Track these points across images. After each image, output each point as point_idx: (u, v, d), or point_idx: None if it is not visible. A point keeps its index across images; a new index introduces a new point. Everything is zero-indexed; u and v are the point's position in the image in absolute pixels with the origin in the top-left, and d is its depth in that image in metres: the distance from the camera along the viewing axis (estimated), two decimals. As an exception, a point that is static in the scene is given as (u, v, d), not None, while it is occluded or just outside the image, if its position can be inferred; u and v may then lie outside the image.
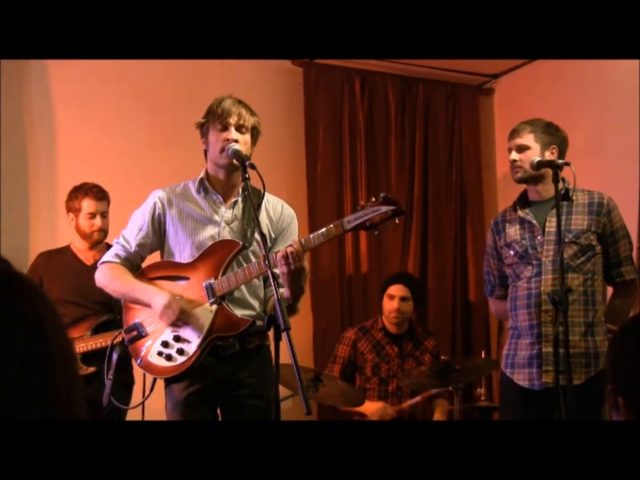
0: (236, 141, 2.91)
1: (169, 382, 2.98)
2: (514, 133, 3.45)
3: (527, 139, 3.39)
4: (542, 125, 3.42)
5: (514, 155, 3.41)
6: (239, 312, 2.93)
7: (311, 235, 2.74)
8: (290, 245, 2.72)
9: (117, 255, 3.05)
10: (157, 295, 2.91)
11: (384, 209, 2.66)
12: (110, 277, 3.03)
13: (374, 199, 2.69)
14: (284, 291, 2.83)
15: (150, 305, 2.93)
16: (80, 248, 4.13)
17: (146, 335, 2.98)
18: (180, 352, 2.91)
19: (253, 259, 2.98)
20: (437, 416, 4.63)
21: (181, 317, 2.89)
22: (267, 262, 2.57)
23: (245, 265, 2.94)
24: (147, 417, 3.81)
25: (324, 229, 2.73)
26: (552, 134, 3.41)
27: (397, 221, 2.71)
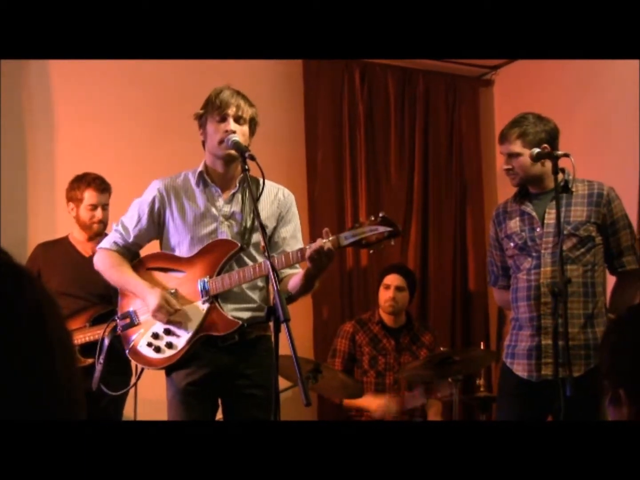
0: (234, 132, 2.90)
1: (169, 371, 3.00)
2: (503, 138, 3.41)
3: (516, 145, 3.35)
4: (529, 124, 3.34)
5: (507, 163, 3.40)
6: (237, 306, 2.96)
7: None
8: (327, 242, 2.70)
9: (115, 244, 3.08)
10: (150, 294, 2.94)
11: (381, 229, 2.68)
12: (108, 265, 3.07)
13: (372, 218, 2.71)
14: (298, 278, 2.88)
15: (144, 301, 2.97)
16: (79, 239, 4.12)
17: (138, 324, 3.02)
18: (169, 345, 2.95)
19: (253, 251, 2.99)
20: (431, 417, 4.64)
21: (173, 318, 2.94)
22: (266, 253, 2.58)
23: (244, 259, 2.96)
24: (140, 407, 3.85)
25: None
26: (540, 130, 3.34)
27: (392, 243, 2.72)
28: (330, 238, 2.71)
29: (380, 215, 2.70)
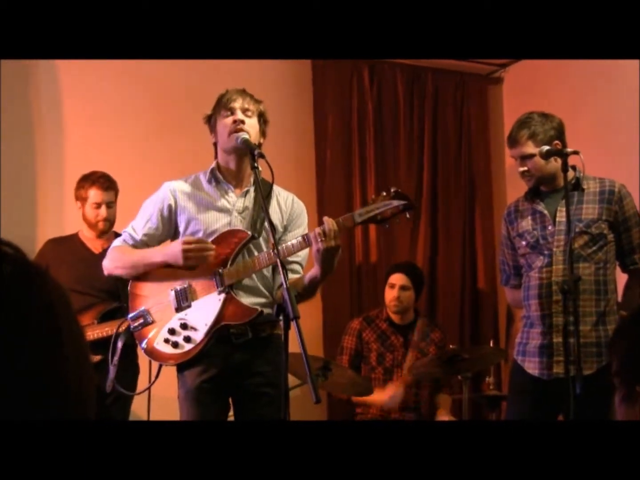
0: (243, 122, 2.91)
1: (181, 369, 2.98)
2: (513, 142, 3.37)
3: (528, 146, 3.32)
4: (537, 124, 3.32)
5: (521, 166, 3.36)
6: (251, 300, 2.94)
7: (340, 218, 2.75)
8: (327, 223, 2.71)
9: (124, 241, 3.06)
10: (169, 246, 2.94)
11: (396, 203, 2.68)
12: (119, 255, 3.03)
13: (384, 193, 2.71)
14: (314, 270, 2.84)
15: (167, 260, 2.91)
16: (88, 236, 4.13)
17: (152, 322, 2.99)
18: (187, 339, 2.92)
19: (264, 247, 2.99)
20: (441, 413, 4.62)
21: (205, 251, 2.87)
22: (276, 250, 2.57)
23: (256, 253, 2.95)
24: (153, 405, 3.84)
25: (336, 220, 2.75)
26: (549, 128, 3.32)
27: (407, 216, 2.73)
28: (345, 216, 2.72)
29: (393, 190, 2.70)
